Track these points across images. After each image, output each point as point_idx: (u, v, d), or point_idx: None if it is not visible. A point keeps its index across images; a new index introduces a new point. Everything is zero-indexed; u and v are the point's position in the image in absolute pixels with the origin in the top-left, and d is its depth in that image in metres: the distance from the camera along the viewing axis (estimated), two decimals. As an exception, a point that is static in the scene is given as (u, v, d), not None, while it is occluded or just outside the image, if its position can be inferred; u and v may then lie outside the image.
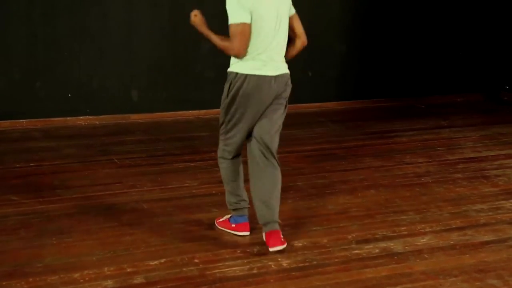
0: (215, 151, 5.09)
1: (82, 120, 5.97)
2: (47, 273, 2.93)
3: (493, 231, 3.43)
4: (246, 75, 3.13)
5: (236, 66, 3.19)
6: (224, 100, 3.25)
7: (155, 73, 6.18)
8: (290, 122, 6.06)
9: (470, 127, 5.87)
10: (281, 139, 5.37)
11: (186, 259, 3.09)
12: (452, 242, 3.29)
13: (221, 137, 3.33)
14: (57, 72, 5.86)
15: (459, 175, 4.39)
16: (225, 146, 3.32)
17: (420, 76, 7.03)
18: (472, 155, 4.96)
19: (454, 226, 3.51)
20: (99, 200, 3.93)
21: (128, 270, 2.98)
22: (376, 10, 6.76)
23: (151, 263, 3.05)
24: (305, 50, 6.74)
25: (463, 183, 4.25)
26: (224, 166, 3.38)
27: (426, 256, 3.14)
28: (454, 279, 2.89)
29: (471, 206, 3.81)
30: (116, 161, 4.76)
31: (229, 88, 3.21)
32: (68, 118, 5.94)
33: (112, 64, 6.02)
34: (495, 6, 7.14)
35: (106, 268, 2.99)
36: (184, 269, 2.99)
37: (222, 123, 3.30)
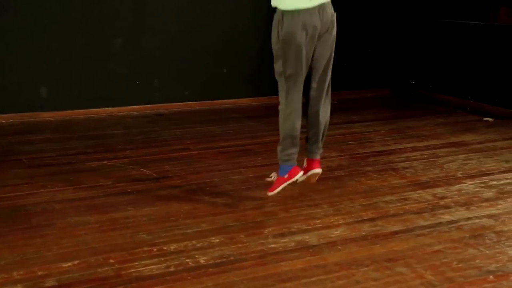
0: (129, 149, 5.05)
1: (-13, 119, 5.70)
2: (-50, 281, 2.78)
3: (401, 221, 3.58)
4: None
5: None
6: None
7: (66, 69, 5.99)
8: (205, 118, 6.12)
9: (379, 121, 6.09)
10: (196, 136, 5.41)
11: (101, 259, 3.02)
12: (363, 233, 3.41)
13: None
14: (-42, 68, 5.57)
15: (370, 168, 4.55)
16: None
17: (333, 73, 7.20)
18: (381, 148, 5.15)
19: (365, 218, 3.63)
20: (7, 201, 3.76)
21: (39, 273, 2.87)
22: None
23: (63, 265, 2.96)
24: (220, 46, 6.74)
25: (374, 176, 4.40)
26: None
27: (339, 247, 3.23)
28: (366, 268, 3.00)
29: (381, 198, 3.96)
30: (25, 161, 4.58)
31: None
32: (-28, 116, 5.65)
33: (20, 59, 5.77)
34: (404, 3, 7.44)
35: (15, 272, 2.87)
36: (99, 269, 2.92)
37: None
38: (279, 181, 3.73)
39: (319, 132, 3.77)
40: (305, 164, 3.86)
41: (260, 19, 6.68)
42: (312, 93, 3.68)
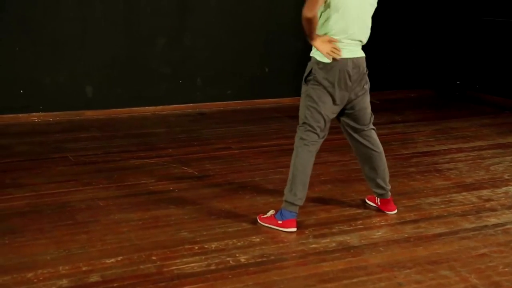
0: (172, 147, 5.10)
1: (35, 117, 5.85)
2: (-1, 274, 2.86)
3: (445, 224, 3.52)
4: None
5: None
6: None
7: (110, 68, 6.09)
8: (246, 118, 6.14)
9: (423, 121, 6.00)
10: (237, 135, 5.42)
11: (143, 256, 3.06)
12: (406, 235, 3.36)
13: None
14: (8, 68, 5.72)
15: (413, 169, 4.48)
16: None
17: (375, 72, 7.09)
18: (425, 149, 5.06)
19: (408, 219, 3.58)
20: (53, 198, 3.85)
21: (84, 268, 2.93)
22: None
23: (107, 261, 3.01)
24: (261, 45, 6.76)
25: (417, 177, 4.33)
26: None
27: (381, 249, 3.19)
28: (408, 271, 2.95)
29: (424, 199, 3.89)
30: (71, 158, 4.67)
31: None
32: (21, 115, 5.80)
33: (66, 59, 5.90)
34: (447, 3, 7.31)
35: (61, 267, 2.93)
36: (141, 266, 2.96)
37: None
38: (270, 222, 3.42)
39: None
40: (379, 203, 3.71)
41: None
42: None
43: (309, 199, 3.86)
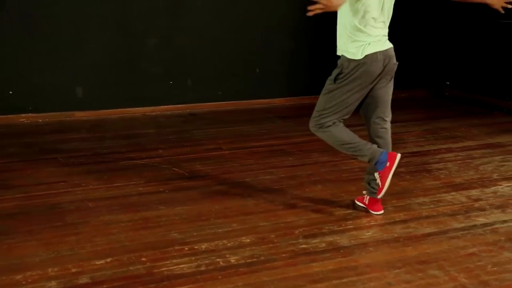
0: (162, 148, 5.09)
1: (25, 118, 5.82)
2: (-13, 276, 2.84)
3: (434, 223, 3.53)
4: None
5: None
6: None
7: (100, 69, 6.07)
8: (237, 118, 6.13)
9: (413, 122, 6.02)
10: (228, 136, 5.42)
11: (133, 257, 3.06)
12: (395, 235, 3.37)
13: None
14: (-3, 69, 5.70)
15: (403, 169, 4.50)
16: None
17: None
18: (415, 149, 5.08)
19: (397, 219, 3.59)
20: (43, 199, 3.83)
21: (73, 270, 2.92)
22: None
23: (96, 262, 3.00)
24: (253, 46, 6.73)
25: (407, 177, 4.35)
26: None
27: (371, 249, 3.20)
28: (397, 271, 2.96)
29: (414, 199, 3.91)
30: (60, 159, 4.66)
31: None
32: (10, 116, 5.77)
33: (56, 60, 5.88)
34: (438, 4, 7.34)
35: (50, 269, 2.92)
36: (131, 267, 2.95)
37: None
38: (384, 175, 3.37)
39: None
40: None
41: (294, 19, 6.67)
42: None
43: (299, 200, 3.87)
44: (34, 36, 5.76)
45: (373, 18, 3.30)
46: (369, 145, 3.45)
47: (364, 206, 3.70)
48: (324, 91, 3.47)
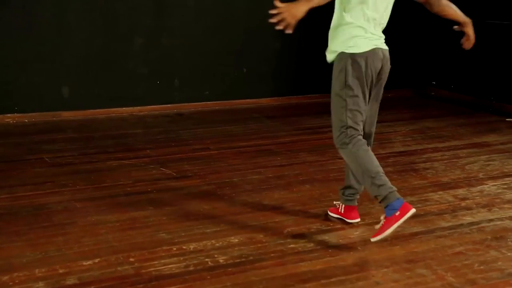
0: (150, 148, 5.07)
1: (10, 118, 5.77)
2: (-26, 277, 2.82)
3: (421, 223, 3.55)
4: None
5: None
6: None
7: (87, 69, 6.04)
8: (225, 118, 6.13)
9: (400, 121, 6.05)
10: (216, 136, 5.42)
11: (121, 258, 3.04)
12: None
13: None
14: (-18, 68, 5.65)
15: (390, 169, 4.52)
16: None
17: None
18: (402, 149, 5.11)
19: (385, 219, 3.60)
20: (29, 200, 3.81)
21: (61, 271, 2.90)
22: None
23: (84, 263, 2.98)
24: (240, 46, 6.75)
25: (394, 176, 4.37)
26: None
27: (359, 248, 3.22)
28: (385, 270, 2.98)
29: (401, 199, 3.92)
30: (47, 159, 4.63)
31: None
32: (-5, 116, 5.73)
33: (42, 59, 5.84)
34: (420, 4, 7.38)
35: (37, 270, 2.90)
36: (119, 268, 2.94)
37: None
38: (389, 222, 3.03)
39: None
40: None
41: (280, 19, 6.66)
42: None
43: (287, 199, 3.87)
44: (19, 35, 5.72)
45: (368, 14, 3.12)
46: (389, 184, 3.07)
47: (339, 216, 3.52)
48: (336, 104, 3.22)
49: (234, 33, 6.57)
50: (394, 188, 3.07)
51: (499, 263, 3.05)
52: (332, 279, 2.87)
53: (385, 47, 3.27)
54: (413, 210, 3.02)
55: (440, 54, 7.33)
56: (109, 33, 6.06)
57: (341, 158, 3.88)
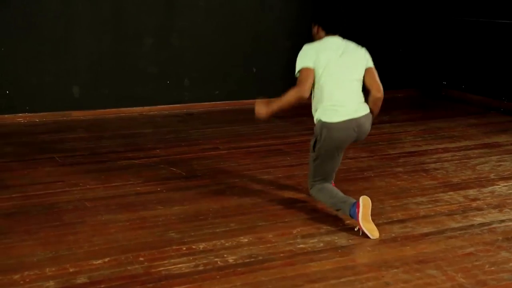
0: (159, 148, 5.08)
1: (21, 118, 5.81)
2: (-15, 276, 2.84)
3: (432, 223, 3.54)
4: None
5: None
6: None
7: (97, 69, 6.06)
8: (234, 118, 6.13)
9: (410, 122, 6.03)
10: (225, 136, 5.42)
11: (131, 257, 3.05)
12: (393, 235, 3.37)
13: None
14: (-7, 68, 5.68)
15: (400, 169, 4.50)
16: None
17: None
18: (412, 149, 5.09)
19: (395, 219, 3.59)
20: (40, 199, 3.83)
21: (71, 270, 2.91)
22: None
23: (94, 262, 2.99)
24: (249, 45, 6.75)
25: (404, 177, 4.36)
26: None
27: (368, 248, 3.21)
28: (395, 270, 2.96)
29: (411, 199, 3.91)
30: (58, 159, 4.65)
31: None
32: (6, 115, 5.76)
33: (52, 59, 5.87)
34: (434, 4, 7.35)
35: (47, 269, 2.91)
36: (129, 267, 2.95)
37: None
38: (358, 221, 3.33)
39: None
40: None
41: (289, 18, 6.67)
42: None
43: (296, 200, 3.87)
44: (31, 36, 5.75)
45: (336, 93, 3.54)
46: (344, 199, 3.46)
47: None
48: (310, 158, 3.65)
49: (243, 33, 6.57)
50: (346, 199, 3.45)
51: (510, 264, 3.03)
52: (342, 280, 2.86)
53: (361, 114, 3.56)
54: (362, 198, 3.31)
55: (451, 54, 7.30)
56: (120, 33, 6.08)
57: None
